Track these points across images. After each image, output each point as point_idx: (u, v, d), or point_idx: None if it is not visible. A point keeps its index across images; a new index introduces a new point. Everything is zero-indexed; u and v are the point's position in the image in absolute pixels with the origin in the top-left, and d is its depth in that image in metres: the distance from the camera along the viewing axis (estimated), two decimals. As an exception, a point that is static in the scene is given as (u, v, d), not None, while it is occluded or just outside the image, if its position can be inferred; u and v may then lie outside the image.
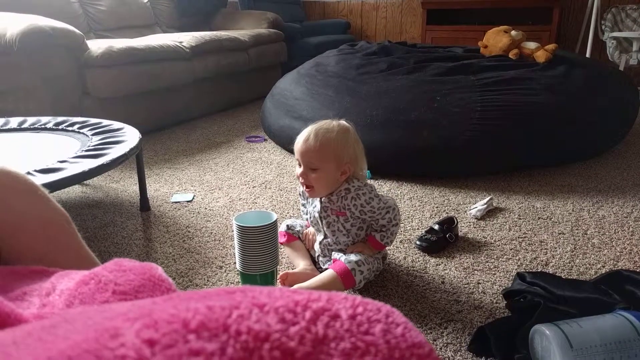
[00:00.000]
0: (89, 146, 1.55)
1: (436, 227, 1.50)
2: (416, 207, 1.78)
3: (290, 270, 1.29)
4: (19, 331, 0.27)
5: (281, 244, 1.38)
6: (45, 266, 0.52)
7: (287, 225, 1.41)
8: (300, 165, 1.22)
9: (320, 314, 0.24)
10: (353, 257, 1.21)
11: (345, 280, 1.17)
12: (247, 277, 1.19)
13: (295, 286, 1.17)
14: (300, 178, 1.22)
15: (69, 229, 0.60)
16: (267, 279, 1.19)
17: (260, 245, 1.14)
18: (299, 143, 1.20)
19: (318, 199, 1.27)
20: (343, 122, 1.24)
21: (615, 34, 3.81)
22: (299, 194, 1.35)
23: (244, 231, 1.14)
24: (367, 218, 1.24)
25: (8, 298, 0.39)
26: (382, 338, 0.24)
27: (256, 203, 1.83)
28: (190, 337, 0.22)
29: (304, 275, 1.25)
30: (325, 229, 1.28)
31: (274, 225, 1.17)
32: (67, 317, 0.27)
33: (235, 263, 1.30)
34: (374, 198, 1.22)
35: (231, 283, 1.31)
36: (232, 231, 1.32)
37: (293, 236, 1.40)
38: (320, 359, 0.22)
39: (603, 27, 4.02)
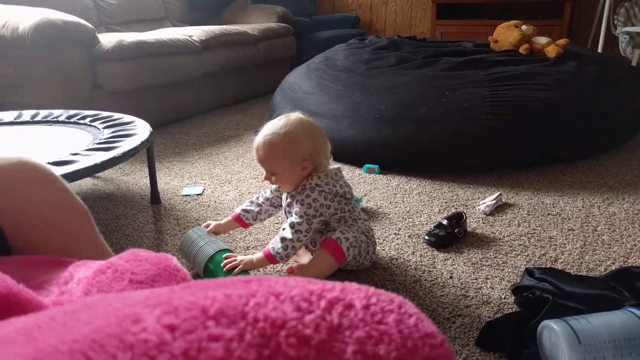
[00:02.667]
0: (100, 139, 1.57)
1: (445, 222, 1.50)
2: (425, 202, 1.78)
3: (294, 264, 1.34)
4: (43, 316, 0.27)
5: None
6: (62, 255, 0.53)
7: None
8: None
9: (334, 303, 0.25)
10: (337, 229, 1.25)
11: (333, 252, 1.21)
12: (208, 272, 1.25)
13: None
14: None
15: (87, 221, 0.61)
16: (214, 263, 1.25)
17: (189, 249, 1.30)
18: (253, 152, 1.23)
19: (285, 194, 1.31)
20: (294, 116, 1.23)
21: (628, 28, 3.76)
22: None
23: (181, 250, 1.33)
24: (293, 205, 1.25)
25: (28, 286, 0.40)
26: (395, 327, 0.24)
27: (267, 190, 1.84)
28: (210, 324, 0.23)
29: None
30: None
31: (187, 235, 1.33)
32: (89, 303, 0.28)
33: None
34: (311, 204, 1.21)
35: (239, 275, 1.32)
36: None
37: None
38: (336, 347, 0.23)
39: (615, 21, 3.97)
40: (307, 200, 1.21)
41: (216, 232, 1.36)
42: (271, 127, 1.21)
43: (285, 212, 1.32)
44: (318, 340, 0.23)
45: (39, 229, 0.56)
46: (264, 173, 1.25)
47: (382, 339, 0.23)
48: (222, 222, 1.38)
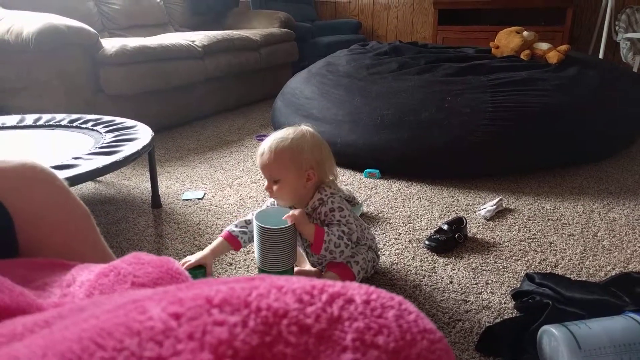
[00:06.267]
0: (102, 143, 1.58)
1: (445, 227, 1.50)
2: (425, 207, 1.78)
3: (296, 268, 1.31)
4: (50, 313, 0.28)
5: None
6: (64, 258, 0.54)
7: None
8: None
9: (335, 297, 0.26)
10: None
11: (343, 275, 1.18)
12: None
13: None
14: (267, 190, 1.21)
15: (89, 222, 0.62)
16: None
17: (279, 246, 1.13)
18: (257, 158, 1.20)
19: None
20: (303, 127, 1.21)
21: (630, 35, 3.78)
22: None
23: (264, 232, 1.12)
24: (327, 220, 1.19)
25: (29, 288, 0.41)
26: (394, 322, 0.25)
27: (266, 201, 1.84)
28: (214, 311, 0.23)
29: (310, 272, 1.28)
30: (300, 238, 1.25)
31: (292, 227, 1.15)
32: (95, 301, 0.29)
33: (254, 260, 1.31)
34: (343, 209, 1.18)
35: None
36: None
37: None
38: (335, 335, 0.23)
39: (617, 28, 3.99)
40: (335, 205, 1.17)
41: (204, 263, 1.17)
42: (278, 134, 1.18)
43: None
44: (318, 329, 0.23)
45: (40, 231, 0.56)
46: (265, 183, 1.19)
47: (381, 331, 0.24)
48: (209, 248, 1.20)
